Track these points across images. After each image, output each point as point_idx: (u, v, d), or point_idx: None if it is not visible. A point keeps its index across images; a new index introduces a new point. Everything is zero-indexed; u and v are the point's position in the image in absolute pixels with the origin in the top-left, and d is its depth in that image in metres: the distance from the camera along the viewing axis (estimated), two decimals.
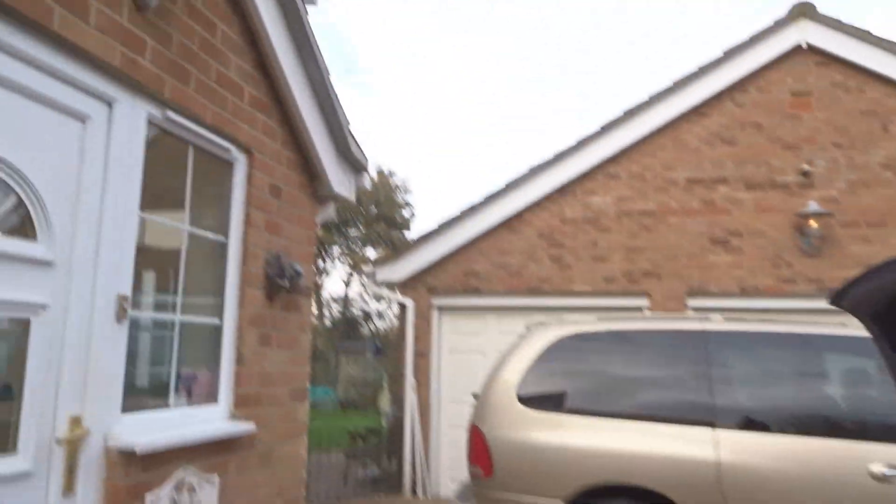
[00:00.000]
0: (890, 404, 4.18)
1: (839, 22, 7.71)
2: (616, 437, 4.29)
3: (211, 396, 3.37)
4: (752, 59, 7.88)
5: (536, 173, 8.19)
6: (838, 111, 7.73)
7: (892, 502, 3.95)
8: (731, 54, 7.91)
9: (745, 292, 7.53)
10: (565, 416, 4.46)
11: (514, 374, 4.66)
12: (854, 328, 4.50)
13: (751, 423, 4.21)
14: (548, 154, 8.23)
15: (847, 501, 3.95)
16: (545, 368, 4.62)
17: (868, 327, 1.97)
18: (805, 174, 7.58)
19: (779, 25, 7.86)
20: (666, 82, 8.09)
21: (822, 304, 4.54)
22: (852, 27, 7.69)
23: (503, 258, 8.21)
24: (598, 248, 8.00)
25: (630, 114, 8.05)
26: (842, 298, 1.88)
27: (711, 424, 4.18)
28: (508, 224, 8.24)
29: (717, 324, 4.59)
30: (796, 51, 7.84)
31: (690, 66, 8.06)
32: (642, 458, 4.19)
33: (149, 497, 2.71)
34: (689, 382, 4.37)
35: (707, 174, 7.89)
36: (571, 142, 8.19)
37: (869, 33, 7.60)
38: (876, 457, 3.97)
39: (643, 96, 8.11)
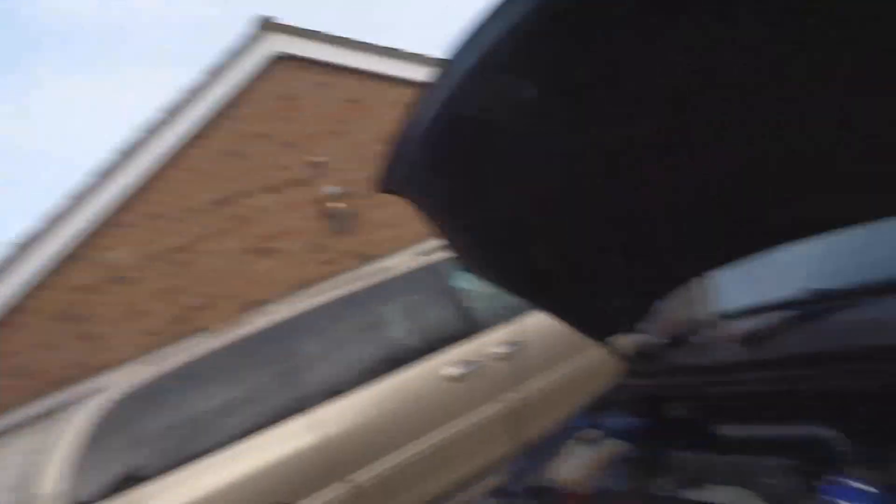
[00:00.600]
0: (440, 317, 4.28)
1: (308, 30, 8.29)
2: (217, 472, 3.65)
3: None
4: (236, 76, 7.99)
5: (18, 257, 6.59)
6: (327, 104, 8.25)
7: (474, 391, 3.99)
8: (215, 74, 7.79)
9: (297, 288, 7.30)
10: (150, 484, 3.58)
11: (57, 482, 3.46)
12: (392, 271, 4.49)
13: (334, 393, 3.99)
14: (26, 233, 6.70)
15: (438, 412, 4.06)
16: (99, 455, 3.60)
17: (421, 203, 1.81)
18: (315, 165, 7.87)
19: (252, 41, 8.12)
20: (157, 114, 7.47)
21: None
22: (319, 32, 8.34)
23: (10, 362, 6.33)
24: (134, 305, 6.82)
25: (126, 156, 7.16)
26: (389, 185, 1.77)
27: (301, 410, 3.86)
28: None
29: (272, 317, 4.28)
30: (276, 62, 8.15)
31: (175, 94, 7.59)
32: (252, 480, 3.66)
33: None
34: (265, 383, 3.98)
35: (228, 191, 7.58)
36: (56, 210, 6.83)
37: (335, 36, 8.38)
38: (445, 363, 4.05)
39: (133, 139, 7.34)
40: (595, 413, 2.09)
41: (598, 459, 1.79)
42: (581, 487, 1.73)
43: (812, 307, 1.46)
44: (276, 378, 3.94)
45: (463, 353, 4.21)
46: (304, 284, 7.00)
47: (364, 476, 3.78)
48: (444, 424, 4.03)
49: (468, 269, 1.95)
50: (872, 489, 1.04)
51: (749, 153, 1.24)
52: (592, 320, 2.05)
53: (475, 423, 4.09)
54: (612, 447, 1.82)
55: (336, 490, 3.71)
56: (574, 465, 1.82)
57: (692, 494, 1.33)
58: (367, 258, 7.28)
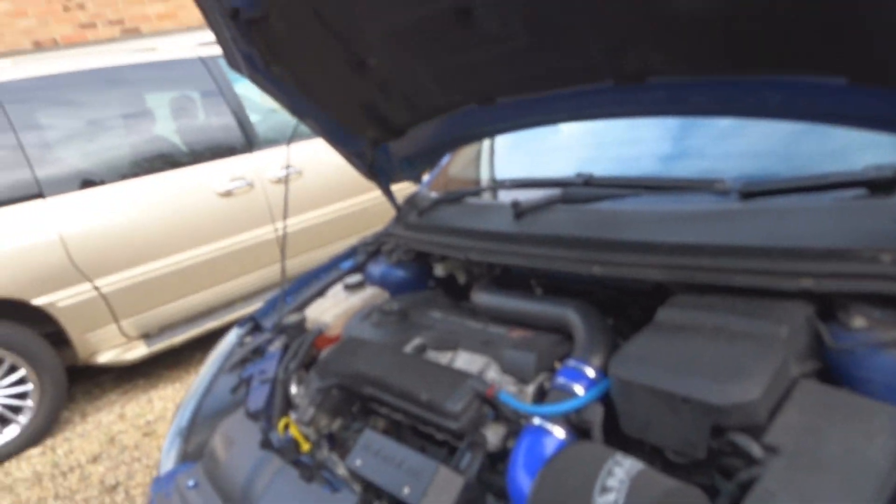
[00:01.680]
0: (215, 123, 3.87)
1: None
2: None
3: None
4: None
5: None
6: None
7: (243, 210, 3.81)
8: None
9: (40, 46, 6.16)
10: None
11: None
12: (165, 55, 3.90)
13: (84, 183, 3.54)
14: None
15: (207, 221, 3.84)
16: None
17: None
18: None
19: None
20: None
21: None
22: None
23: None
24: None
25: None
26: None
27: (40, 196, 3.37)
28: None
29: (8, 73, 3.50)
30: None
31: None
32: None
33: None
34: None
35: None
36: None
37: None
38: (215, 174, 3.76)
39: None
40: (360, 258, 2.08)
41: (356, 306, 1.80)
42: (332, 330, 1.74)
43: (579, 191, 1.51)
44: (10, 152, 3.32)
45: (236, 169, 3.93)
46: (53, 45, 5.89)
47: (110, 283, 3.49)
48: (209, 242, 3.81)
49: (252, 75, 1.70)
50: (591, 370, 1.15)
51: None
52: (373, 160, 1.97)
53: (240, 245, 3.94)
54: (371, 295, 1.83)
55: (80, 293, 3.39)
56: (330, 308, 1.81)
57: (439, 357, 1.38)
58: (132, 32, 6.23)
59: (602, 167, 1.57)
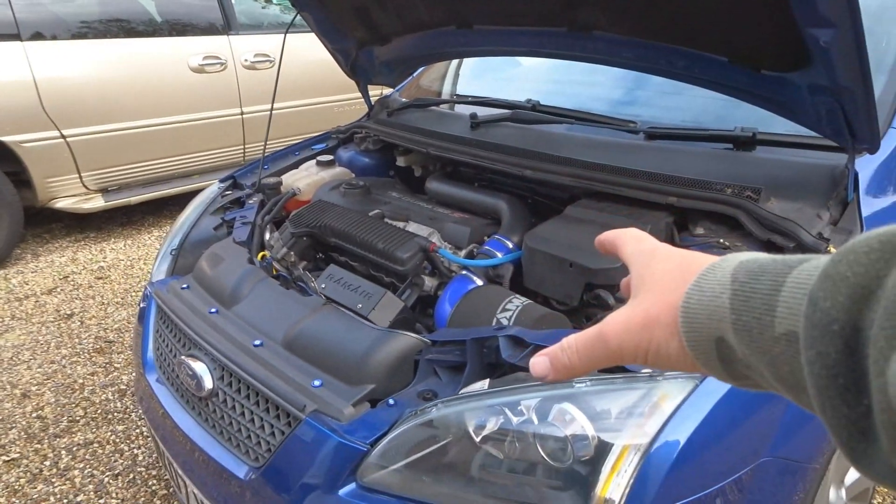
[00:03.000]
0: (201, 4, 4.00)
1: None
2: None
3: None
4: None
5: None
6: None
7: (215, 88, 4.01)
8: None
9: None
10: None
11: None
12: None
13: (66, 32, 3.68)
14: None
15: (177, 92, 4.03)
16: None
17: None
18: None
19: None
20: None
21: None
22: None
23: None
24: None
25: None
26: None
27: (17, 37, 3.49)
28: None
29: None
30: None
31: None
32: None
33: None
34: None
35: None
36: None
37: None
38: (192, 51, 3.93)
39: None
40: (332, 143, 2.38)
41: (325, 179, 2.12)
42: (303, 196, 2.06)
43: (526, 114, 1.87)
44: None
45: (211, 47, 4.08)
46: None
47: (77, 133, 3.66)
48: (176, 112, 4.00)
49: None
50: (510, 244, 1.54)
51: None
52: (356, 59, 2.25)
53: (206, 121, 4.13)
54: (340, 173, 2.16)
55: (47, 139, 3.56)
56: (303, 177, 2.13)
57: (394, 224, 1.74)
58: None
59: (546, 97, 1.93)
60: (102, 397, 2.53)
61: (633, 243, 0.49)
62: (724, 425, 1.05)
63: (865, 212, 1.31)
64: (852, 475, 1.51)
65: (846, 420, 0.29)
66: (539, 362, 0.46)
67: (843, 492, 1.49)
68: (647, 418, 1.01)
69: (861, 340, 0.28)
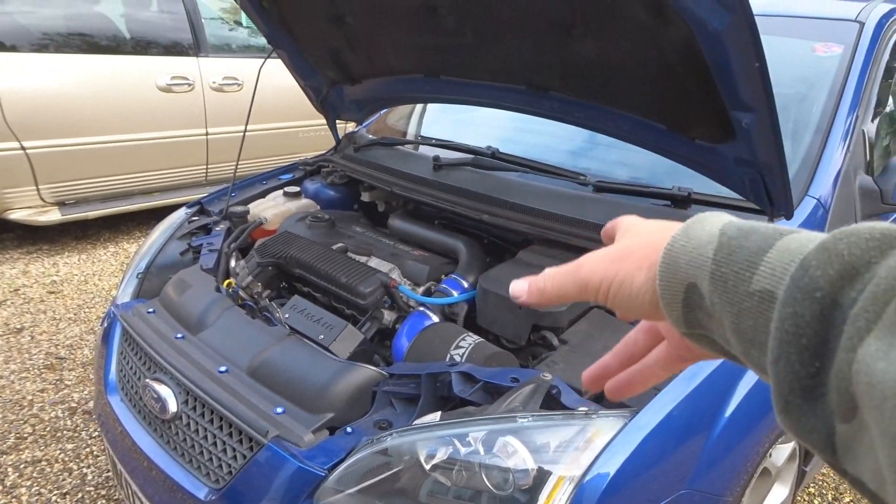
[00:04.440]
0: (166, 19, 4.05)
1: None
2: None
3: None
4: None
5: None
6: None
7: (181, 107, 4.02)
8: None
9: None
10: None
11: None
12: None
13: (33, 44, 3.70)
14: None
15: (143, 110, 4.06)
16: None
17: None
18: None
19: None
20: None
21: None
22: None
23: None
24: None
25: None
26: None
27: None
28: None
29: None
30: None
31: None
32: None
33: None
34: None
35: None
36: None
37: None
38: (161, 70, 3.98)
39: None
40: (299, 174, 2.47)
41: (291, 210, 2.20)
42: (269, 225, 2.14)
43: (486, 160, 2.00)
44: None
45: (180, 68, 4.13)
46: None
47: (37, 146, 3.65)
48: (140, 130, 4.03)
49: None
50: (465, 283, 1.66)
51: None
52: (327, 96, 2.35)
53: (170, 140, 4.16)
54: (306, 204, 2.25)
55: (6, 149, 3.54)
56: (270, 207, 2.21)
57: (357, 258, 1.84)
58: None
59: (505, 144, 2.06)
60: (52, 414, 2.52)
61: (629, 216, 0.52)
62: (650, 459, 1.17)
63: None
64: None
65: (794, 376, 0.31)
66: (517, 284, 0.49)
67: None
68: (581, 452, 1.12)
69: (836, 313, 0.30)
